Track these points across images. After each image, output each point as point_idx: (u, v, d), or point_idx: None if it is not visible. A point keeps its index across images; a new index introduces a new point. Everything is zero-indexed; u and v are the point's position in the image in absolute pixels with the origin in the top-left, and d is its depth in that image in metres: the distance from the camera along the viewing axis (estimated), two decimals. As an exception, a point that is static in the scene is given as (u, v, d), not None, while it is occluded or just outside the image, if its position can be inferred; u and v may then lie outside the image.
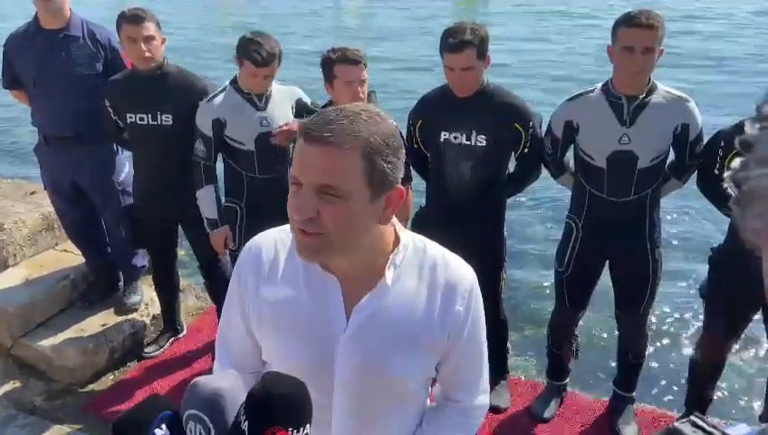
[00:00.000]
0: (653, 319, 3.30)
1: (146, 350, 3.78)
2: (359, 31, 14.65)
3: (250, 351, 1.39)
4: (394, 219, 1.28)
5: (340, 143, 1.09)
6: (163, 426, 0.90)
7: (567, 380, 3.35)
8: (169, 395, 3.23)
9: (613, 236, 2.83)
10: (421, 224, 2.98)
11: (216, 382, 0.96)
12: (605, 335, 4.05)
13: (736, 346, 2.97)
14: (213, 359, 1.47)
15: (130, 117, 3.25)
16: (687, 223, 5.62)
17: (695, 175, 2.82)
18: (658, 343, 4.09)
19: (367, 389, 1.29)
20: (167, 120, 3.21)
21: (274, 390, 0.93)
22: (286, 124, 3.05)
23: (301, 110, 3.22)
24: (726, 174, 0.56)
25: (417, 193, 3.23)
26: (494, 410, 3.20)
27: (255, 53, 2.91)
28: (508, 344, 3.40)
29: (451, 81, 2.82)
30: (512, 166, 3.07)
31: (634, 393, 3.22)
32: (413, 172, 3.11)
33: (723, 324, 2.84)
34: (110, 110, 3.30)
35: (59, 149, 3.55)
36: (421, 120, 3.00)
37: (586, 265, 2.95)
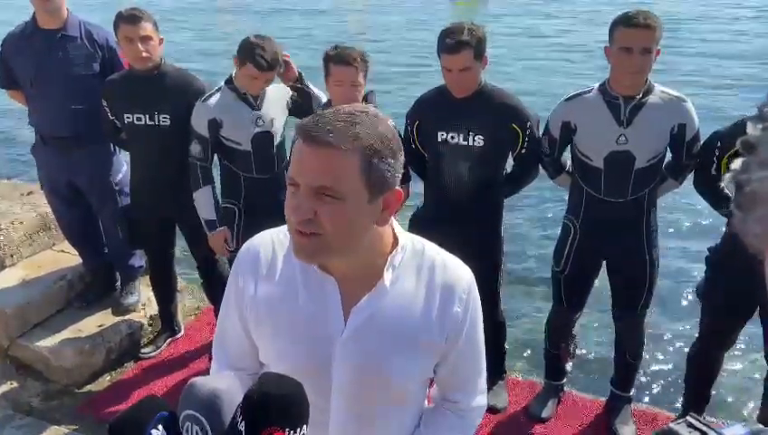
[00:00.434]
0: (650, 319, 3.29)
1: (143, 350, 3.78)
2: (359, 31, 14.65)
3: (247, 352, 1.38)
4: (392, 221, 1.28)
5: (338, 144, 1.09)
6: (160, 427, 0.90)
7: (564, 380, 3.36)
8: (166, 396, 3.22)
9: (611, 237, 2.83)
10: (419, 224, 2.97)
11: (213, 383, 0.96)
12: (602, 335, 4.05)
13: (733, 346, 2.97)
14: (210, 360, 1.47)
15: (128, 117, 3.24)
16: (685, 223, 5.63)
17: (692, 175, 2.82)
18: (656, 343, 4.09)
19: (365, 390, 1.29)
20: (164, 120, 3.21)
21: (272, 390, 0.93)
22: None
23: (298, 107, 3.22)
24: (727, 175, 0.56)
25: (414, 194, 3.23)
26: (491, 410, 3.20)
27: (260, 57, 2.90)
28: (506, 345, 3.40)
29: (449, 81, 2.82)
30: (509, 166, 3.07)
31: (631, 393, 3.22)
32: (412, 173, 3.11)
33: (720, 324, 2.85)
34: (108, 110, 3.30)
35: (56, 150, 3.55)
36: (418, 121, 3.00)
37: (583, 265, 2.96)
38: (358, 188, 1.12)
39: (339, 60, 2.83)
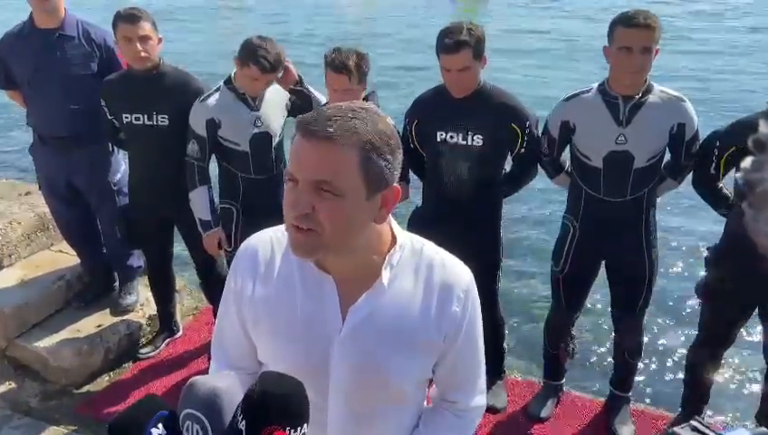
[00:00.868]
0: (649, 319, 3.30)
1: (141, 351, 3.77)
2: (359, 32, 14.65)
3: (246, 351, 1.38)
4: (391, 219, 1.28)
5: (336, 139, 1.09)
6: (159, 426, 0.90)
7: (564, 380, 3.36)
8: (165, 396, 3.22)
9: (610, 236, 2.83)
10: (418, 224, 2.97)
11: (213, 382, 0.95)
12: (601, 335, 4.05)
13: (732, 345, 2.98)
14: (209, 359, 1.47)
15: (126, 117, 3.24)
16: (684, 222, 5.63)
17: (691, 175, 2.82)
18: (655, 343, 4.10)
19: (363, 389, 1.29)
20: (163, 120, 3.20)
21: (272, 389, 0.93)
22: None
23: (297, 108, 3.22)
24: (738, 174, 0.55)
25: (413, 194, 3.22)
26: (490, 410, 3.20)
27: (264, 59, 2.89)
28: (505, 344, 3.39)
29: (448, 81, 2.81)
30: (508, 166, 3.07)
31: (630, 393, 3.22)
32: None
33: (719, 324, 2.85)
34: (106, 110, 3.29)
35: (54, 150, 3.54)
36: (417, 120, 3.00)
37: (582, 264, 2.96)
38: (356, 183, 1.12)
39: (333, 66, 2.83)
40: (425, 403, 1.46)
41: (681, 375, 3.15)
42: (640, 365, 3.17)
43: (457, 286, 1.29)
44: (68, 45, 3.40)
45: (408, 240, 1.31)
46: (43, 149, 3.59)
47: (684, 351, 3.17)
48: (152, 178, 3.34)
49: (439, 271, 1.29)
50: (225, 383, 0.96)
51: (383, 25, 15.39)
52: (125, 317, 3.81)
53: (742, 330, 2.89)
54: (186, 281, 4.31)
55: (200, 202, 3.16)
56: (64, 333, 3.63)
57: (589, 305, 3.22)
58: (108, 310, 3.83)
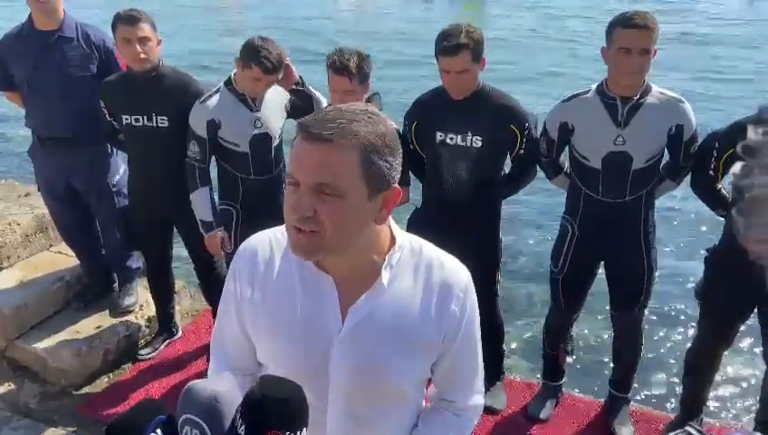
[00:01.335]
0: (648, 320, 3.30)
1: (141, 352, 3.77)
2: (360, 32, 14.65)
3: (246, 352, 1.38)
4: (390, 220, 1.28)
5: (338, 141, 1.09)
6: (158, 431, 0.90)
7: (563, 380, 3.36)
8: (164, 398, 3.22)
9: (608, 237, 2.83)
10: (417, 225, 2.97)
11: (212, 386, 0.95)
12: (600, 336, 4.05)
13: (731, 346, 2.98)
14: (208, 361, 1.47)
15: (126, 118, 3.23)
16: (682, 223, 5.64)
17: (689, 176, 2.82)
18: (654, 344, 4.10)
19: (362, 390, 1.29)
20: (162, 121, 3.20)
21: (271, 393, 0.93)
22: None
23: (297, 109, 3.22)
24: (728, 180, 0.55)
25: (413, 194, 3.22)
26: (490, 411, 3.20)
27: (266, 60, 2.89)
28: (504, 345, 3.40)
29: (446, 83, 2.81)
30: (507, 167, 3.07)
31: (629, 394, 3.22)
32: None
33: (718, 325, 2.85)
34: (105, 111, 3.29)
35: (53, 151, 3.54)
36: (417, 122, 3.00)
37: (581, 265, 2.96)
38: (357, 185, 1.12)
39: (334, 68, 2.84)
40: (423, 403, 1.47)
41: (680, 376, 3.15)
42: (639, 366, 3.17)
43: (456, 286, 1.29)
44: (67, 47, 3.40)
45: (406, 241, 1.31)
46: (42, 151, 3.59)
47: (683, 352, 3.17)
48: (152, 179, 3.33)
49: (438, 271, 1.29)
50: (224, 388, 0.96)
51: (383, 26, 15.39)
52: (124, 318, 3.81)
53: (740, 331, 2.89)
54: (185, 282, 4.31)
55: (201, 203, 3.16)
56: (63, 335, 3.63)
57: (588, 306, 3.21)
58: (107, 311, 3.83)
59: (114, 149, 3.64)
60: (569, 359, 3.30)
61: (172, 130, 3.18)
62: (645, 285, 2.89)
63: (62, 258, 4.06)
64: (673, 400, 3.46)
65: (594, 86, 2.73)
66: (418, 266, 1.29)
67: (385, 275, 1.25)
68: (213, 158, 3.20)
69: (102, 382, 3.59)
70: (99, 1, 11.69)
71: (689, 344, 3.08)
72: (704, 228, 5.40)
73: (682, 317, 4.40)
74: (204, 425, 0.91)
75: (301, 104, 3.21)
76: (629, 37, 2.50)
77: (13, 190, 4.47)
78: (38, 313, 3.73)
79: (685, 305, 4.48)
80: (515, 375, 3.62)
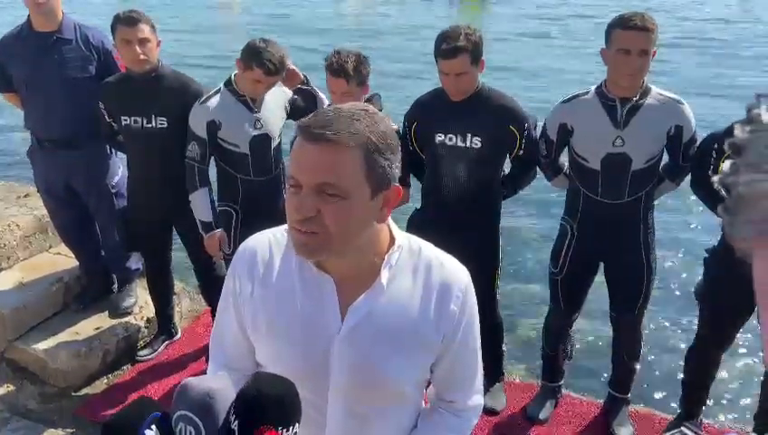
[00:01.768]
0: (648, 320, 3.29)
1: (140, 353, 3.76)
2: (361, 32, 14.67)
3: (245, 353, 1.38)
4: (389, 219, 1.28)
5: (340, 141, 1.09)
6: (153, 427, 0.90)
7: (562, 381, 3.36)
8: (163, 399, 3.22)
9: (608, 238, 2.83)
10: (416, 226, 2.97)
11: (206, 383, 0.95)
12: (600, 337, 4.05)
13: (730, 347, 2.98)
14: (207, 362, 1.47)
15: (125, 120, 3.24)
16: (682, 224, 5.63)
17: (689, 176, 2.82)
18: (653, 345, 4.09)
19: (362, 390, 1.29)
20: (162, 122, 3.21)
21: (264, 389, 0.93)
22: None
23: (296, 110, 3.22)
24: (716, 178, 0.55)
25: (412, 195, 3.22)
26: (489, 411, 3.20)
27: (269, 62, 2.89)
28: (503, 346, 3.39)
29: (446, 85, 2.82)
30: (507, 168, 3.08)
31: (629, 395, 3.22)
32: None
33: (718, 325, 2.85)
34: (105, 112, 3.29)
35: (52, 152, 3.54)
36: (416, 122, 3.00)
37: (580, 266, 2.96)
38: (360, 184, 1.12)
39: (332, 70, 2.84)
40: (423, 403, 1.46)
41: (680, 377, 3.15)
42: (639, 367, 3.16)
43: (455, 286, 1.29)
44: (65, 48, 3.41)
45: (405, 240, 1.31)
46: (41, 152, 3.59)
47: (682, 352, 3.17)
48: (151, 180, 3.34)
49: (437, 271, 1.29)
50: (219, 385, 0.96)
51: (383, 26, 15.41)
52: (123, 320, 3.81)
53: (740, 332, 2.89)
54: (184, 283, 4.31)
55: (201, 204, 3.16)
56: (63, 336, 3.63)
57: (587, 307, 3.21)
58: (106, 312, 3.83)
59: (113, 151, 3.64)
60: (568, 360, 3.30)
61: (171, 131, 3.19)
62: (644, 285, 2.89)
63: (62, 259, 4.06)
64: (672, 400, 3.45)
65: (593, 87, 2.73)
66: (418, 266, 1.29)
67: (384, 275, 1.25)
68: (212, 158, 3.20)
69: (101, 384, 3.59)
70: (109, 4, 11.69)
71: (689, 345, 3.08)
72: (703, 229, 5.39)
73: (681, 318, 4.39)
74: (198, 421, 0.91)
75: (303, 105, 3.22)
76: (628, 38, 2.50)
77: (12, 191, 4.47)
78: (37, 314, 3.73)
79: (684, 306, 4.48)
80: (515, 376, 3.62)
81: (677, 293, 4.64)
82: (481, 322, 1.39)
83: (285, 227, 1.34)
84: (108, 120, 3.31)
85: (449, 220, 2.90)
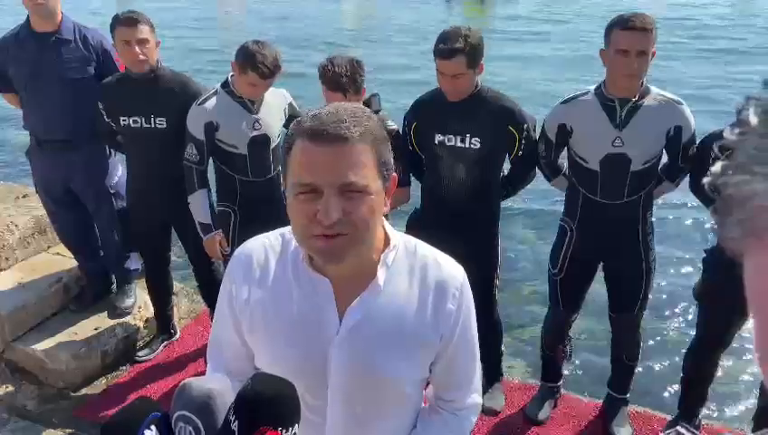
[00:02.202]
0: (647, 320, 3.29)
1: (138, 354, 3.76)
2: (361, 32, 14.67)
3: (242, 357, 1.37)
4: (383, 219, 1.28)
5: (354, 138, 1.10)
6: (152, 427, 0.90)
7: (561, 382, 3.36)
8: (162, 399, 3.22)
9: (607, 239, 2.83)
10: (416, 226, 2.98)
11: (206, 384, 0.95)
12: (599, 337, 4.04)
13: (729, 348, 2.98)
14: (206, 362, 1.46)
15: (124, 120, 3.24)
16: (681, 225, 5.64)
17: (688, 177, 2.83)
18: (652, 345, 4.09)
19: (362, 391, 1.29)
20: (161, 123, 3.21)
21: (264, 390, 0.93)
22: None
23: (292, 117, 3.22)
24: (706, 179, 0.56)
25: (411, 194, 3.22)
26: (488, 412, 3.20)
27: (262, 65, 2.89)
28: (502, 347, 3.39)
29: (442, 85, 2.82)
30: (506, 168, 3.08)
31: (628, 395, 3.22)
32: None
33: (717, 325, 2.85)
34: (104, 112, 3.29)
35: (51, 153, 3.54)
36: (416, 123, 3.00)
37: (580, 267, 2.96)
38: (375, 177, 1.14)
39: (328, 85, 2.87)
40: (422, 403, 1.46)
41: (679, 377, 3.15)
42: (638, 367, 3.17)
43: (452, 284, 1.30)
44: (65, 49, 3.40)
45: (400, 240, 1.31)
46: (39, 153, 3.59)
47: (681, 353, 3.17)
48: (150, 180, 3.34)
49: (433, 270, 1.29)
50: (219, 385, 0.96)
51: (383, 26, 15.41)
52: (122, 320, 3.81)
53: (739, 332, 2.89)
54: (183, 284, 4.30)
55: (199, 205, 3.16)
56: (61, 336, 3.63)
57: (586, 307, 3.21)
58: (105, 313, 3.82)
59: (112, 151, 3.64)
60: (567, 360, 3.30)
61: (170, 131, 3.19)
62: (643, 286, 2.89)
63: (61, 260, 4.05)
64: (671, 401, 3.45)
65: (592, 88, 2.73)
66: (414, 265, 1.29)
67: (381, 275, 1.25)
68: (210, 159, 3.20)
69: (100, 384, 3.59)
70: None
71: (688, 345, 3.08)
72: (702, 229, 5.40)
73: (680, 318, 4.40)
74: (198, 422, 0.91)
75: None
76: (627, 39, 2.50)
77: (11, 192, 4.46)
78: (36, 314, 3.73)
79: (683, 306, 4.49)
80: (514, 377, 3.62)
81: (676, 293, 4.64)
82: (479, 322, 1.39)
83: (279, 231, 1.34)
84: (107, 120, 3.31)
85: (449, 220, 2.90)
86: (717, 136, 2.64)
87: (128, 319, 3.83)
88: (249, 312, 1.31)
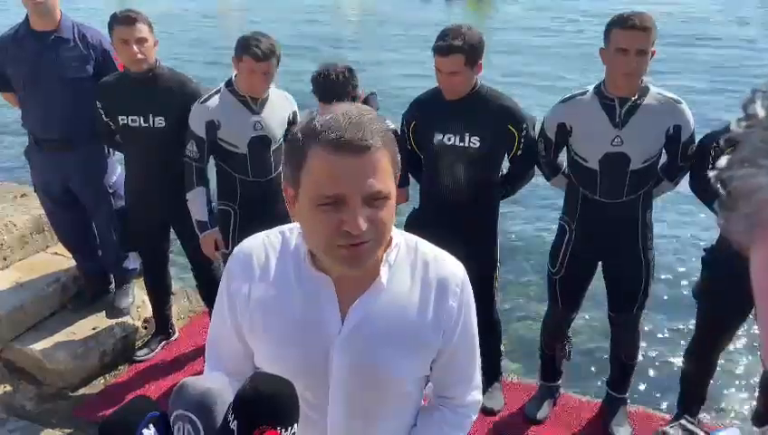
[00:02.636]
0: (646, 320, 3.30)
1: (137, 353, 3.76)
2: (361, 33, 14.67)
3: (241, 356, 1.36)
4: None
5: (375, 146, 1.08)
6: (150, 426, 0.90)
7: (560, 381, 3.36)
8: (161, 399, 3.21)
9: (606, 238, 2.83)
10: (415, 225, 2.97)
11: (205, 383, 0.95)
12: (598, 336, 4.05)
13: (728, 346, 2.98)
14: (205, 362, 1.45)
15: (122, 119, 3.23)
16: (680, 224, 5.64)
17: (687, 176, 2.83)
18: (651, 344, 4.10)
19: (364, 390, 1.28)
20: (159, 122, 3.20)
21: (263, 389, 0.93)
22: None
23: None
24: (712, 173, 0.55)
25: (411, 194, 3.22)
26: (487, 411, 3.20)
27: (256, 47, 2.90)
28: (501, 346, 3.39)
29: (439, 82, 2.83)
30: (505, 167, 3.07)
31: (627, 394, 3.22)
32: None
33: (716, 325, 2.85)
34: (102, 112, 3.28)
35: (50, 152, 3.53)
36: (415, 122, 3.00)
37: (579, 266, 2.96)
38: (392, 181, 1.14)
39: (323, 98, 2.88)
40: (422, 401, 1.46)
41: (678, 376, 3.15)
42: (637, 366, 3.17)
43: (453, 282, 1.29)
44: (64, 48, 3.40)
45: (401, 238, 1.31)
46: (38, 152, 3.58)
47: (680, 352, 3.17)
48: (149, 179, 3.33)
49: (434, 267, 1.29)
50: (217, 384, 0.96)
51: (383, 26, 15.41)
52: (121, 320, 3.80)
53: (738, 331, 2.89)
54: (182, 283, 4.30)
55: (197, 203, 3.16)
56: (60, 336, 3.62)
57: (585, 307, 3.21)
58: (103, 312, 3.82)
59: (110, 151, 3.63)
60: (566, 360, 3.30)
61: (169, 130, 3.18)
62: (643, 285, 2.89)
63: (59, 259, 4.05)
64: (671, 400, 3.45)
65: (592, 87, 2.73)
66: (415, 264, 1.29)
67: (383, 274, 1.25)
68: (211, 158, 3.20)
69: (99, 384, 3.58)
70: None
71: (687, 344, 3.08)
72: (702, 229, 5.40)
73: (680, 317, 4.40)
74: (196, 421, 0.91)
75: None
76: (627, 38, 2.50)
77: (9, 191, 4.46)
78: (34, 314, 3.72)
79: (682, 305, 4.48)
80: (513, 376, 3.62)
81: (676, 292, 4.64)
82: (479, 321, 1.39)
83: (279, 229, 1.33)
84: (105, 119, 3.30)
85: (448, 220, 2.90)
86: (717, 135, 2.64)
87: (126, 319, 3.83)
88: (249, 311, 1.29)
